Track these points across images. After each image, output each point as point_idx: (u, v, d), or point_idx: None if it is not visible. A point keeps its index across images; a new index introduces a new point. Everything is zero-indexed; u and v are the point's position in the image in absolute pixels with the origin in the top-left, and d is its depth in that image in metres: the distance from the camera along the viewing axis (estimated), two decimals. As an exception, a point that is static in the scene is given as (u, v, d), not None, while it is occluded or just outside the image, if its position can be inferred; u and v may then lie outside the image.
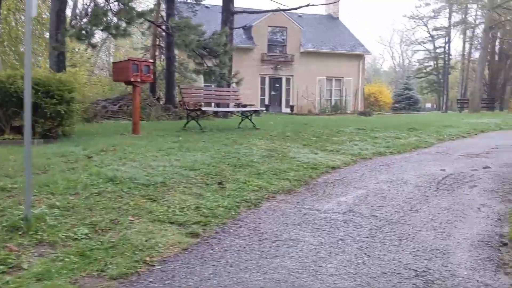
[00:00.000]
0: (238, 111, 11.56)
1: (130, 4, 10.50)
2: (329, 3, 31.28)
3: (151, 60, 9.50)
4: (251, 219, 4.17)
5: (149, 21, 11.61)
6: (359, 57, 32.24)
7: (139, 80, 8.66)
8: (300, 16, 33.37)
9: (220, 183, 5.14)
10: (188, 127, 10.52)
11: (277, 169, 6.11)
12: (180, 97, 13.23)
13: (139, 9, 12.08)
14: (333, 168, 6.62)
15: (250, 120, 11.20)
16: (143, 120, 15.05)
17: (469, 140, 11.01)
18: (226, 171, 5.75)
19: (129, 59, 8.87)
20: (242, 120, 11.34)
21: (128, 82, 8.76)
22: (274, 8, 21.83)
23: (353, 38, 33.78)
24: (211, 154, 6.70)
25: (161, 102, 19.56)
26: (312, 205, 4.71)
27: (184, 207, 4.23)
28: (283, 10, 20.62)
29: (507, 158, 8.03)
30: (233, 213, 4.26)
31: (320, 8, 43.63)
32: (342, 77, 31.52)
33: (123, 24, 9.93)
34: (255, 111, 11.21)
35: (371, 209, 4.57)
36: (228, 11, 18.82)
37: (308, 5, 17.55)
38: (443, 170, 6.69)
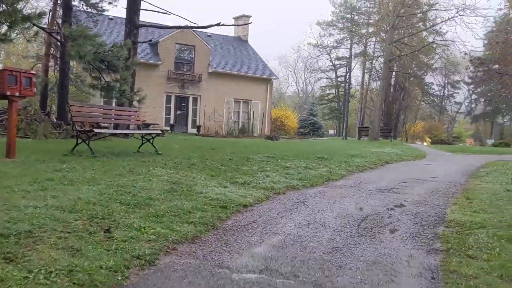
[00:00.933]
0: (138, 134, 10.40)
1: (15, 5, 9.05)
2: (240, 25, 31.15)
3: (33, 72, 8.01)
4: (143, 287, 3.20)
5: (38, 26, 10.14)
6: (267, 81, 32.40)
7: (17, 94, 7.24)
8: (209, 36, 32.85)
9: (107, 231, 4.10)
10: (77, 151, 9.15)
11: (181, 208, 5.17)
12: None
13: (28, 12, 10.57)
14: (245, 206, 5.84)
15: (152, 144, 10.11)
16: (28, 138, 13.23)
17: (377, 172, 10.91)
18: (116, 212, 4.70)
19: (5, 69, 7.40)
20: (143, 143, 10.21)
21: (2, 96, 7.28)
22: (182, 25, 20.96)
23: (262, 62, 33.96)
24: (100, 189, 5.58)
25: (54, 117, 17.66)
26: (222, 260, 3.85)
27: (52, 271, 3.14)
28: (192, 27, 19.82)
29: (417, 193, 7.84)
30: (119, 278, 3.25)
31: (229, 30, 43.63)
32: (250, 100, 31.38)
33: (3, 27, 8.43)
34: (157, 134, 10.14)
35: (291, 266, 3.82)
36: (132, 23, 17.61)
37: (218, 25, 16.93)
38: (360, 209, 6.22)
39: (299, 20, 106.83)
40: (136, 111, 10.73)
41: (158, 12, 18.38)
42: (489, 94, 51.02)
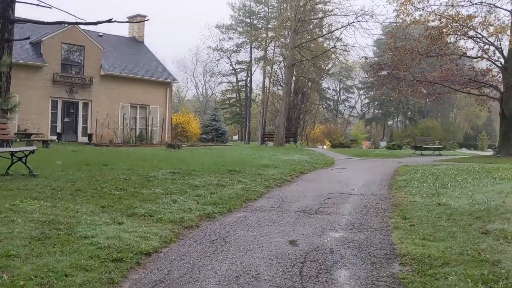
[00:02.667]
0: (5, 152, 8.21)
1: None
2: (135, 22, 28.91)
3: None
4: None
5: None
6: (166, 84, 30.50)
7: None
8: (101, 36, 30.17)
9: None
10: None
11: (53, 270, 3.53)
12: None
13: None
14: (148, 254, 4.32)
15: (25, 163, 8.05)
16: None
17: (296, 186, 9.87)
18: None
19: None
20: (13, 163, 8.09)
21: None
22: (67, 21, 18.48)
23: (160, 64, 31.98)
24: None
25: None
26: None
27: None
28: (78, 23, 17.44)
29: (348, 213, 6.89)
30: None
31: (124, 30, 40.81)
32: (148, 105, 29.26)
33: None
34: (32, 151, 8.07)
35: None
36: (5, 18, 14.91)
37: (110, 21, 14.81)
38: (295, 244, 5.01)
39: (198, 23, 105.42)
40: (4, 123, 8.53)
41: (38, 5, 15.82)
42: (381, 98, 53.90)
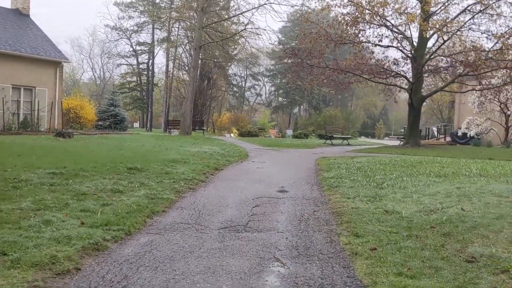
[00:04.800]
0: None
1: None
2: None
3: None
4: None
5: None
6: (56, 64, 26.84)
7: None
8: (-26, 4, 25.66)
9: None
10: None
11: None
12: None
13: None
14: None
15: None
16: None
17: (213, 188, 8.16)
18: None
19: None
20: None
21: None
22: None
23: (48, 41, 28.11)
24: None
25: None
26: None
27: None
28: None
29: (284, 228, 5.43)
30: None
31: (4, 0, 35.77)
32: (34, 87, 25.51)
33: None
34: None
35: None
36: None
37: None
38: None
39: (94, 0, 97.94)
40: None
41: None
42: (286, 86, 53.76)
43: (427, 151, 19.04)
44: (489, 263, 4.00)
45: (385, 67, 21.58)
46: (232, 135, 37.98)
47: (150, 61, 54.00)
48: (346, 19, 20.98)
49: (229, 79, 54.29)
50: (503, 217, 5.32)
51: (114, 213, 5.46)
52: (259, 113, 62.68)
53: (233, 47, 41.98)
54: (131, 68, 57.55)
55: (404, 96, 29.51)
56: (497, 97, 25.72)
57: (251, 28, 27.73)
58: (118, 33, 53.77)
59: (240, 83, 60.73)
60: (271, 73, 59.58)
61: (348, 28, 21.13)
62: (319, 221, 5.91)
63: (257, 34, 27.60)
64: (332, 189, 8.23)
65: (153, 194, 6.76)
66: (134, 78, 57.53)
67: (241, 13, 28.54)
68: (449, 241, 4.73)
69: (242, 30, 30.73)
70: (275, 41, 44.21)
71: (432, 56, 21.62)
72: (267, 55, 53.22)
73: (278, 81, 57.40)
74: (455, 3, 20.75)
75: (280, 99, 61.21)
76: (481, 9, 20.47)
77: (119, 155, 11.26)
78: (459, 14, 20.85)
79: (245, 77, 60.40)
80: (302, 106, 63.28)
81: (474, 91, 25.15)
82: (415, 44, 21.43)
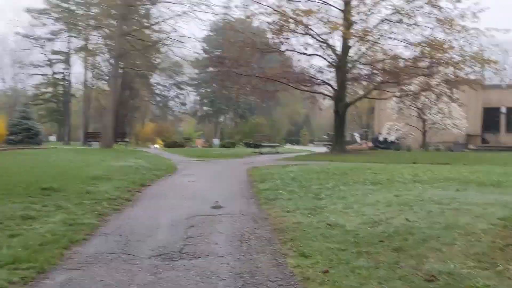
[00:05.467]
0: None
1: None
2: None
3: None
4: None
5: None
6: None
7: None
8: None
9: None
10: None
11: None
12: None
13: None
14: None
15: None
16: None
17: (141, 209, 7.38)
18: None
19: None
20: None
21: None
22: None
23: None
24: None
25: None
26: None
27: None
28: None
29: (224, 249, 4.92)
30: None
31: None
32: None
33: None
34: None
35: None
36: None
37: None
38: None
39: (3, 5, 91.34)
40: None
41: None
42: (210, 95, 53.22)
43: (354, 157, 19.37)
44: (450, 282, 3.72)
45: (311, 75, 21.79)
46: (157, 146, 36.75)
47: (67, 71, 51.08)
48: (271, 27, 20.95)
49: (152, 89, 52.73)
50: (451, 227, 5.16)
51: (23, 246, 4.62)
52: (185, 123, 61.52)
53: (155, 55, 40.80)
54: (46, 78, 54.06)
55: (328, 103, 30.12)
56: (415, 103, 26.98)
57: (175, 36, 26.94)
58: (31, 41, 50.28)
59: (164, 92, 59.24)
60: (196, 82, 58.71)
61: (274, 36, 21.11)
62: (261, 240, 5.43)
63: (181, 42, 26.89)
64: (270, 203, 7.80)
65: (72, 219, 5.92)
66: (50, 89, 54.08)
67: (163, 20, 27.68)
68: (402, 257, 4.43)
69: (165, 38, 29.83)
70: (199, 49, 43.53)
71: (355, 64, 22.17)
72: (192, 64, 52.34)
73: (203, 90, 56.68)
74: (375, 13, 21.44)
75: (205, 108, 60.48)
76: (398, 19, 21.32)
77: (31, 173, 10.09)
78: (378, 23, 21.56)
79: (169, 86, 59.03)
80: (228, 115, 62.99)
81: (394, 98, 26.19)
82: (338, 52, 21.85)
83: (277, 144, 29.23)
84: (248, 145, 33.39)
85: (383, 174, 10.70)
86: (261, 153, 24.02)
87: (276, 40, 21.49)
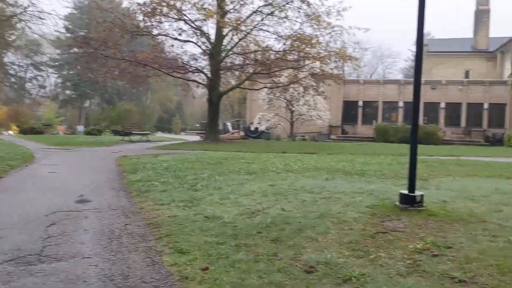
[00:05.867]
0: None
1: None
2: None
3: None
4: None
5: None
6: None
7: None
8: None
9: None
10: None
11: None
12: None
13: None
14: None
15: None
16: None
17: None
18: None
19: None
20: None
21: None
22: None
23: None
24: None
25: None
26: None
27: None
28: None
29: (91, 249, 4.47)
30: None
31: None
32: None
33: None
34: None
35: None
36: None
37: None
38: None
39: None
40: None
41: None
42: (74, 78, 49.52)
43: (227, 146, 19.50)
44: (328, 272, 3.75)
45: (184, 62, 21.34)
46: (11, 132, 33.12)
47: None
48: (143, 9, 20.00)
49: (6, 68, 47.31)
50: (324, 216, 5.30)
51: None
52: (44, 107, 56.43)
53: (10, 32, 36.61)
54: None
55: (202, 91, 29.97)
56: (284, 94, 28.11)
57: (33, 11, 24.29)
58: None
59: (20, 73, 53.56)
60: (57, 63, 54.13)
61: (146, 19, 20.20)
62: (133, 237, 5.02)
63: (40, 18, 24.33)
64: (142, 195, 7.34)
65: None
66: None
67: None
68: (280, 248, 4.40)
69: (21, 13, 26.78)
70: (62, 27, 40.09)
71: (228, 54, 22.25)
72: (52, 43, 48.08)
73: (65, 72, 52.48)
74: (248, 3, 21.70)
75: (68, 92, 56.14)
76: (269, 12, 21.88)
77: None
78: (251, 14, 21.88)
79: (26, 66, 53.54)
80: (93, 100, 59.35)
81: (265, 88, 26.96)
82: (212, 40, 21.72)
83: (148, 132, 28.28)
84: (116, 132, 31.80)
85: (256, 163, 10.84)
86: (131, 141, 22.99)
87: (148, 23, 20.62)
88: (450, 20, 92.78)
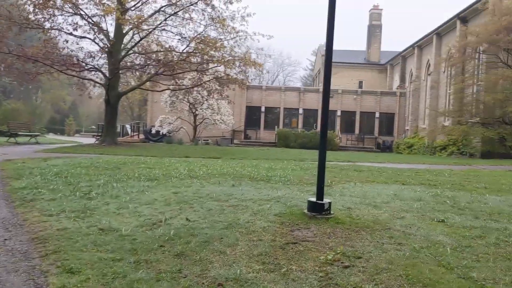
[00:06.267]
0: None
1: None
2: None
3: None
4: None
5: None
6: None
7: None
8: None
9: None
10: None
11: None
12: None
13: None
14: None
15: None
16: None
17: None
18: None
19: None
20: None
21: None
22: None
23: None
24: None
25: None
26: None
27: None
28: None
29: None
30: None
31: None
32: None
33: None
34: None
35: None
36: None
37: None
38: None
39: None
40: None
41: None
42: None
43: (126, 149, 18.53)
44: (236, 288, 3.47)
45: (80, 59, 19.96)
46: None
47: None
48: (33, 0, 18.34)
49: None
50: (232, 226, 5.02)
51: None
52: None
53: None
54: None
55: (98, 91, 28.35)
56: (187, 97, 27.56)
57: None
58: None
59: None
60: None
61: (37, 10, 18.54)
62: (14, 254, 4.33)
63: None
64: (27, 204, 6.50)
65: None
66: None
67: None
68: (185, 264, 4.03)
69: None
70: None
71: (129, 53, 21.26)
72: None
73: None
74: (150, 2, 20.94)
75: None
76: (173, 12, 21.30)
77: None
78: (154, 13, 21.14)
79: None
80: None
81: (167, 91, 26.22)
82: (112, 38, 20.57)
83: (37, 134, 26.05)
84: (1, 133, 28.94)
85: (158, 168, 10.29)
86: (17, 143, 20.95)
87: (39, 16, 18.95)
88: (346, 33, 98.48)
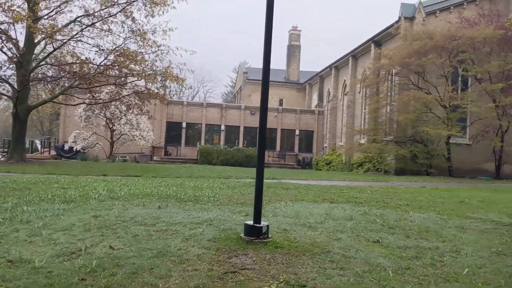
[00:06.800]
0: None
1: None
2: None
3: None
4: None
5: None
6: None
7: None
8: None
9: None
10: None
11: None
12: None
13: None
14: None
15: None
16: None
17: None
18: None
19: None
20: None
21: None
22: None
23: None
24: None
25: None
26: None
27: None
28: None
29: None
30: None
31: None
32: None
33: None
34: None
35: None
36: None
37: None
38: None
39: None
40: None
41: None
42: None
43: (36, 167, 17.11)
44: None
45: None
46: None
47: None
48: None
49: None
50: (163, 254, 4.58)
51: None
52: None
53: None
54: None
55: (5, 104, 26.17)
56: (104, 112, 26.28)
57: None
58: None
59: None
60: None
61: None
62: None
63: None
64: None
65: None
66: None
67: None
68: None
69: None
70: None
71: (40, 64, 19.86)
72: None
73: None
74: (66, 12, 19.79)
75: None
76: (90, 23, 20.31)
77: None
78: (70, 23, 19.99)
79: None
80: None
81: (82, 105, 24.82)
82: (21, 47, 19.09)
83: None
84: None
85: (74, 189, 9.48)
86: None
87: None
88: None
